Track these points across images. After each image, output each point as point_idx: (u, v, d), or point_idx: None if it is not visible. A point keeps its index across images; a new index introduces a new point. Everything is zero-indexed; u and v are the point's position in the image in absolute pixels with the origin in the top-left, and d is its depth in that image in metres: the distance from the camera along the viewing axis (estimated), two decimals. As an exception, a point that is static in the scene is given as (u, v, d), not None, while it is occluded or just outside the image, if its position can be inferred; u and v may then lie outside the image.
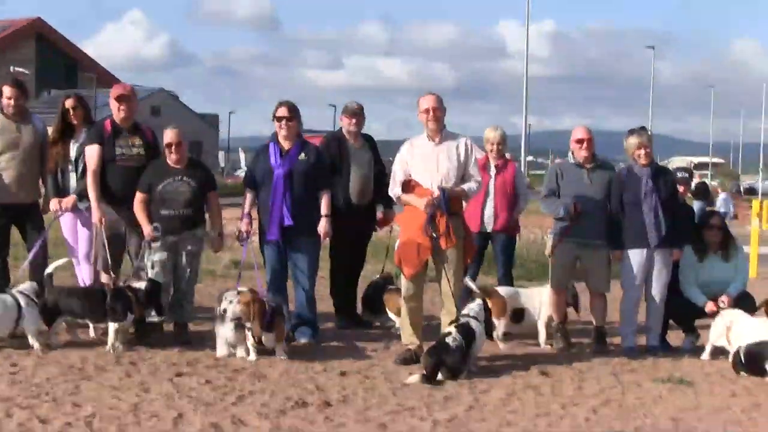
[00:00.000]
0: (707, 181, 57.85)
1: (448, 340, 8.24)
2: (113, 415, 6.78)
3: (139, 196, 9.26)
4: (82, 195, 9.49)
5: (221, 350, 8.82)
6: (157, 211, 9.24)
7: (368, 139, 10.77)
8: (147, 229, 9.21)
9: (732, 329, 9.19)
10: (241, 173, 56.50)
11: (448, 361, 8.11)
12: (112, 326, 8.90)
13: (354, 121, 10.48)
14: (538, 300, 9.98)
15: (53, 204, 9.64)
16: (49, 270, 9.14)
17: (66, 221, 9.77)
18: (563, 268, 9.76)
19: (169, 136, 9.30)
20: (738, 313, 9.32)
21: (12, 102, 9.57)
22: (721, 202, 31.18)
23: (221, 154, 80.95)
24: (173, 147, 9.27)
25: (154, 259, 9.27)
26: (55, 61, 59.86)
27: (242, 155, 77.60)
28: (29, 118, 9.78)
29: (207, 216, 9.58)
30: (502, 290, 10.01)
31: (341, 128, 10.66)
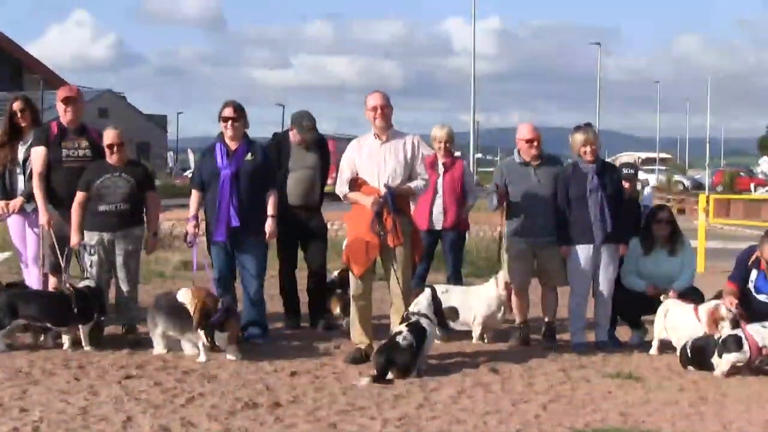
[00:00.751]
0: (657, 177, 58.49)
1: (399, 339, 8.24)
2: (61, 419, 6.71)
3: (78, 196, 9.27)
4: (30, 197, 9.42)
5: (186, 348, 8.87)
6: (95, 207, 9.23)
7: (317, 139, 10.60)
8: (75, 238, 9.24)
9: (667, 317, 9.33)
10: (190, 174, 56.15)
11: (399, 360, 8.12)
12: (84, 329, 8.94)
13: (303, 138, 10.36)
14: (475, 298, 9.95)
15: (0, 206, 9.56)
16: None
17: (14, 224, 9.69)
18: (523, 270, 9.79)
19: (109, 137, 9.37)
20: (673, 302, 9.44)
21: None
22: (646, 197, 31.93)
23: (170, 155, 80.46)
24: (114, 147, 9.33)
25: (92, 260, 9.27)
26: (-1, 62, 58.89)
27: (191, 156, 77.11)
28: (-28, 121, 9.68)
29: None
30: (439, 288, 9.98)
31: (287, 131, 10.56)
